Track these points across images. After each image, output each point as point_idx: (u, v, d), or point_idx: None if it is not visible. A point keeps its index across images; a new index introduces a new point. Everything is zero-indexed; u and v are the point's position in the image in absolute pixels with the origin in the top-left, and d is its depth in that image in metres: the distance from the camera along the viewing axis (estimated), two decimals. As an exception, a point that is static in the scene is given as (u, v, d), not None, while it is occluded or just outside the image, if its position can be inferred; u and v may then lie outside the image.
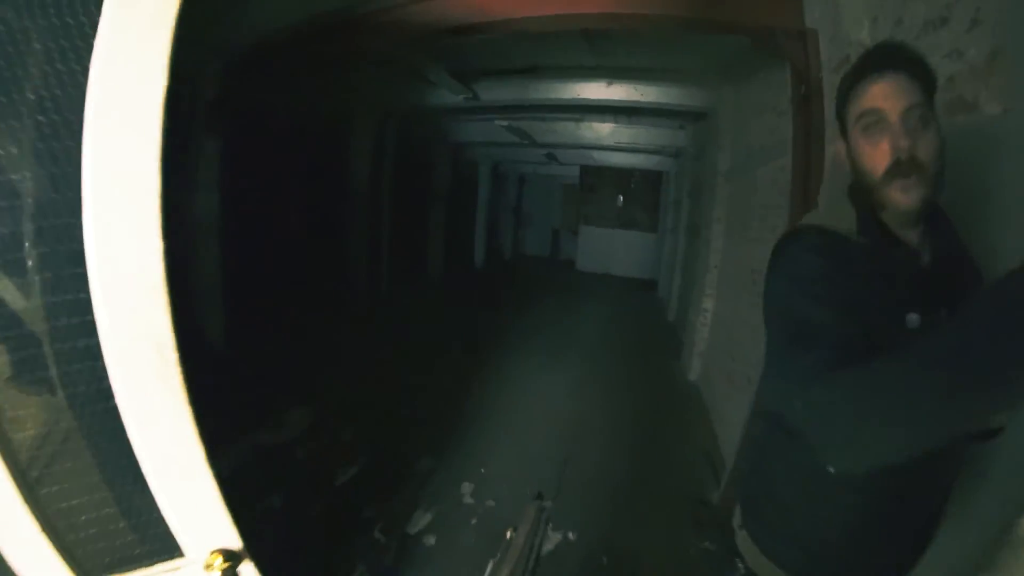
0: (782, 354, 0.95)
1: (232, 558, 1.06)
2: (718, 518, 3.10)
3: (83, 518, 1.02)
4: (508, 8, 2.99)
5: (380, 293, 7.38)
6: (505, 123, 7.50)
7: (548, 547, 2.71)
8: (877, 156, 0.97)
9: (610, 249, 13.32)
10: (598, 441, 4.06)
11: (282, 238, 5.17)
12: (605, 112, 7.40)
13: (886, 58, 0.98)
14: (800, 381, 0.81)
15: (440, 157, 9.95)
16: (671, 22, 2.91)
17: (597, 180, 13.13)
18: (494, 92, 5.82)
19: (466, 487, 3.32)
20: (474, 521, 3.01)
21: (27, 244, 0.96)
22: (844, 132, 1.06)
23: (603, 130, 8.14)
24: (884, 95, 0.95)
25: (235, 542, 1.07)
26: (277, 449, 3.41)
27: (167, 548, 1.06)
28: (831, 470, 0.89)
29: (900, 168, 0.94)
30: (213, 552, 1.05)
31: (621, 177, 12.80)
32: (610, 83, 5.36)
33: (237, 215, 4.24)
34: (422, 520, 2.97)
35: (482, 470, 3.51)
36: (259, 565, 1.12)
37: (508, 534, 1.79)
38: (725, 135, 5.09)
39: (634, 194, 13.00)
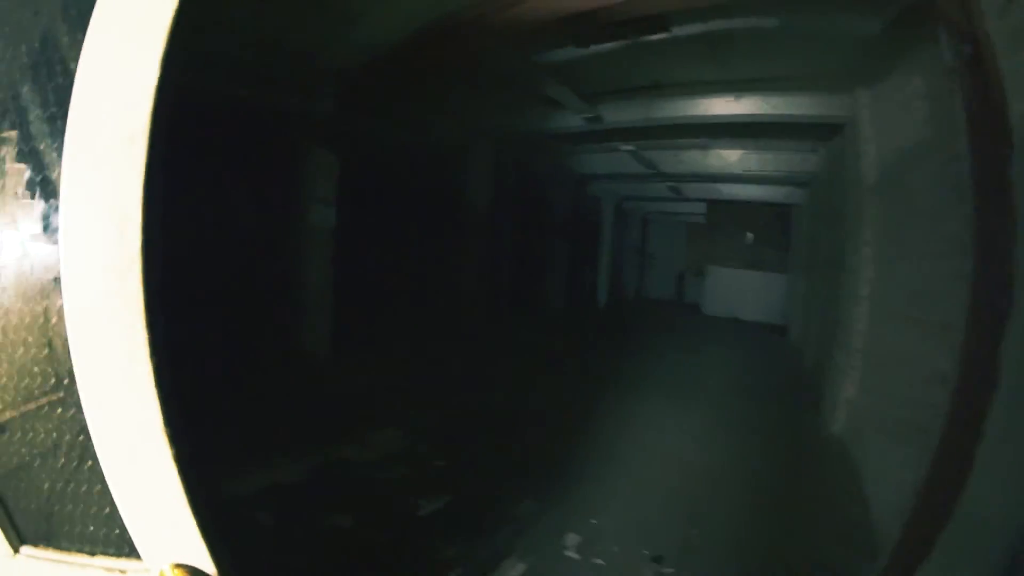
0: None
1: (200, 580, 0.71)
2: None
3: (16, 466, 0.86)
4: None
5: (495, 321, 7.22)
6: (630, 147, 7.17)
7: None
8: None
9: (738, 291, 12.39)
10: (727, 498, 3.52)
11: (397, 254, 5.17)
12: (732, 135, 6.85)
13: None
14: None
15: (561, 190, 9.90)
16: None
17: (724, 216, 12.31)
18: (617, 113, 5.58)
19: (571, 539, 2.91)
20: (575, 580, 2.59)
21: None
22: None
23: (731, 157, 7.66)
24: None
25: (207, 563, 0.71)
26: (359, 467, 3.15)
27: (120, 543, 0.75)
28: None
29: None
30: (175, 566, 0.71)
31: (749, 213, 11.89)
32: (738, 96, 4.98)
33: (352, 230, 4.26)
34: (512, 570, 2.60)
35: (592, 521, 3.09)
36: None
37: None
38: (867, 143, 4.42)
39: (763, 231, 11.98)
